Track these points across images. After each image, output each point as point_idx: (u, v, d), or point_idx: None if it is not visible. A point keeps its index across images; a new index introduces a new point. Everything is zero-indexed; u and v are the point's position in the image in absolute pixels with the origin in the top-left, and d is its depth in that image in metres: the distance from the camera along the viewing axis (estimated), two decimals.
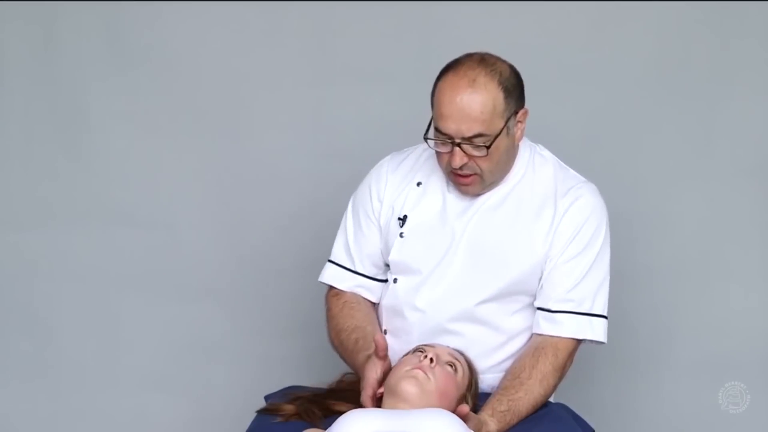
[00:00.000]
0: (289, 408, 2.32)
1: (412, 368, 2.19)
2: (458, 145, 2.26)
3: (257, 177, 3.30)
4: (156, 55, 3.29)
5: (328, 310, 2.51)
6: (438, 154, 2.33)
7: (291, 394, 2.40)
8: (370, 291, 2.49)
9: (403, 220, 2.42)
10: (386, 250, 2.45)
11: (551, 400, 2.43)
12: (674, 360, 3.25)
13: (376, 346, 2.24)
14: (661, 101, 3.21)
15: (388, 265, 2.47)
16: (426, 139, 2.32)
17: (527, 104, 3.21)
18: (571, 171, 2.46)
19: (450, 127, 2.25)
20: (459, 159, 2.28)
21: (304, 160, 3.28)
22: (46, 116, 3.33)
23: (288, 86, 3.27)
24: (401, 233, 2.41)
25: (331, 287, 2.52)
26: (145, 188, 3.33)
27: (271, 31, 3.28)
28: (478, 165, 2.30)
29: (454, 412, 2.15)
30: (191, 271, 3.34)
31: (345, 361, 2.44)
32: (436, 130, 2.29)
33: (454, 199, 2.40)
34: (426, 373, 2.18)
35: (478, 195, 2.39)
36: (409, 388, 2.17)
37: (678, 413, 3.25)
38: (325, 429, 2.16)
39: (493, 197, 2.39)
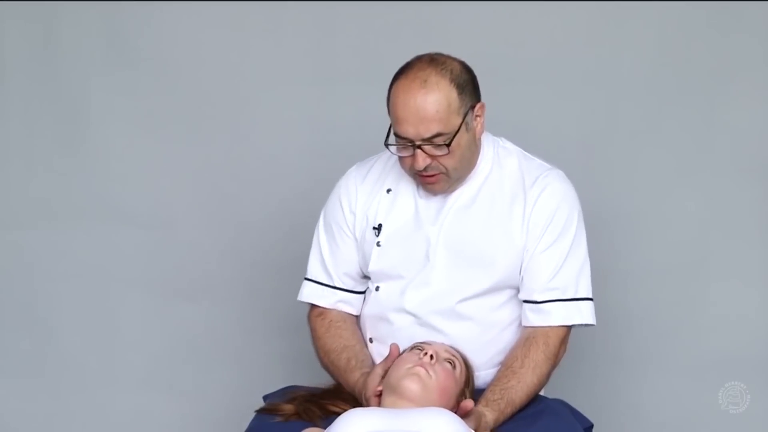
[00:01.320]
0: (288, 408, 2.32)
1: (414, 366, 2.19)
2: (419, 146, 2.26)
3: (257, 176, 3.30)
4: (156, 54, 3.29)
5: (313, 330, 2.49)
6: (401, 158, 2.33)
7: (289, 393, 2.40)
8: (350, 305, 2.48)
9: (378, 229, 2.42)
10: (364, 261, 2.44)
11: (547, 395, 2.44)
12: (674, 360, 3.25)
13: (390, 354, 2.25)
14: (662, 100, 3.21)
15: (365, 277, 2.46)
16: (387, 145, 2.32)
17: (529, 103, 3.23)
18: (537, 160, 2.45)
19: (408, 130, 2.25)
20: (422, 160, 2.28)
21: (303, 160, 3.28)
22: (45, 115, 3.33)
23: (288, 86, 3.28)
24: (378, 242, 2.41)
25: (313, 306, 2.51)
26: (144, 187, 3.33)
27: (271, 30, 3.28)
28: (441, 164, 2.30)
29: (458, 407, 2.17)
30: (191, 271, 3.34)
31: (336, 379, 2.43)
32: (396, 135, 2.29)
33: (425, 202, 2.40)
34: (427, 371, 2.18)
35: (447, 193, 2.38)
36: (411, 385, 2.17)
37: (678, 413, 3.25)
38: (325, 428, 2.16)
39: (463, 196, 2.39)
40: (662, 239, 3.24)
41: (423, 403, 2.16)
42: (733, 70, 3.18)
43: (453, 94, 2.25)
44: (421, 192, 2.40)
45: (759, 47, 3.18)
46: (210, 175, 3.32)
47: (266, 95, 3.29)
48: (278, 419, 2.30)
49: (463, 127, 2.27)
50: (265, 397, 2.47)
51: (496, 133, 2.49)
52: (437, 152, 2.27)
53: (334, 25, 3.26)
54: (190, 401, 3.37)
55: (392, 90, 2.29)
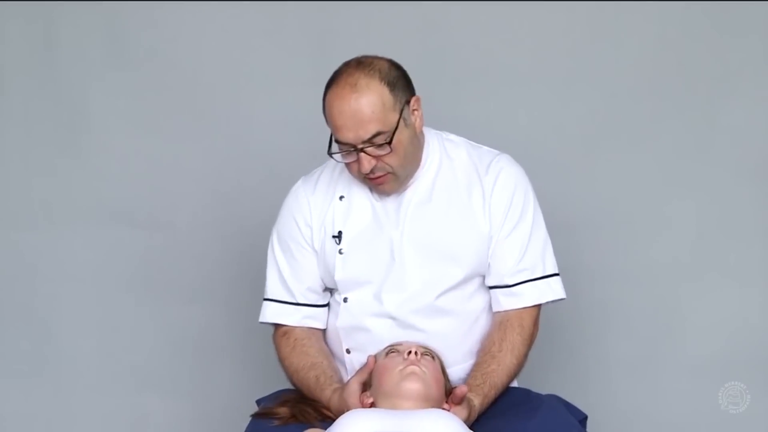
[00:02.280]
0: (283, 410, 2.32)
1: (405, 366, 2.20)
2: (361, 150, 2.29)
3: (257, 177, 3.30)
4: (156, 54, 3.29)
5: (278, 351, 2.48)
6: (347, 165, 2.36)
7: (282, 396, 2.40)
8: (316, 319, 2.47)
9: (338, 237, 2.42)
10: (327, 273, 2.44)
11: (543, 392, 2.45)
12: (674, 360, 3.25)
13: (367, 365, 2.27)
14: (662, 100, 3.21)
15: (327, 290, 2.47)
16: (331, 155, 2.35)
17: (529, 103, 3.22)
18: (484, 147, 2.49)
19: (348, 135, 2.28)
20: (367, 163, 2.30)
21: (303, 160, 3.25)
22: (46, 116, 3.33)
23: (288, 86, 3.27)
24: (340, 250, 2.42)
25: (278, 326, 2.49)
26: (144, 188, 3.33)
27: (271, 31, 3.28)
28: (387, 163, 2.32)
29: (451, 395, 2.21)
30: (191, 271, 3.34)
31: (309, 397, 2.40)
32: (337, 142, 2.32)
33: (382, 204, 2.42)
34: (419, 367, 2.20)
35: (399, 192, 2.40)
36: (413, 385, 2.18)
37: (677, 413, 3.25)
38: (324, 430, 2.16)
39: (418, 192, 2.41)
40: (662, 239, 3.24)
41: (426, 399, 2.17)
42: (734, 70, 3.18)
43: (385, 92, 2.28)
44: (375, 195, 2.42)
45: (759, 47, 3.18)
46: (210, 176, 3.32)
47: (267, 95, 3.29)
48: (276, 423, 2.30)
49: (401, 122, 2.30)
50: (258, 401, 2.48)
51: (501, 133, 2.49)
52: (380, 152, 2.30)
53: (334, 25, 3.26)
54: (188, 403, 3.37)
55: (326, 100, 2.32)
